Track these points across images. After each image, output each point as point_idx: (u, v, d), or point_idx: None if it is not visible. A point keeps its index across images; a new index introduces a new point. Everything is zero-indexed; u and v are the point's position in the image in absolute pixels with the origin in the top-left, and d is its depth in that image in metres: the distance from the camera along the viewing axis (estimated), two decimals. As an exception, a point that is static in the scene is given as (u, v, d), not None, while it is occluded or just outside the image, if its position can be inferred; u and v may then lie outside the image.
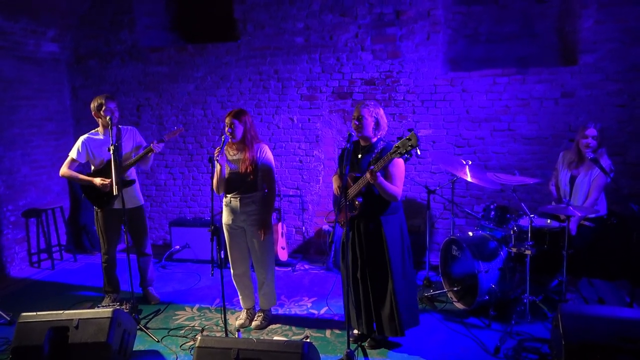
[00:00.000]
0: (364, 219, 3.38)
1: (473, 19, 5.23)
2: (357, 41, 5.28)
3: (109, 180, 4.01)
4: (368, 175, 3.11)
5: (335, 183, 3.59)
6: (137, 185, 4.31)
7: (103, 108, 4.07)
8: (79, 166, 4.25)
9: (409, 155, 2.95)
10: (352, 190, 3.32)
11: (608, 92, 4.67)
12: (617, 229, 4.22)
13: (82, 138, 4.20)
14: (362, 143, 3.45)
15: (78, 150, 4.16)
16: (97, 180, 4.07)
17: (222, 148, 3.55)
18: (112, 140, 3.82)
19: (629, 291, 3.97)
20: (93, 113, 4.16)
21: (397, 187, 3.25)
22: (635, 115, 4.63)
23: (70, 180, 4.40)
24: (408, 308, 3.43)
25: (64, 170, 4.18)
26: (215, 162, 3.54)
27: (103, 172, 4.11)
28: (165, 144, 4.16)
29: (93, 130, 4.26)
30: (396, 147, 2.95)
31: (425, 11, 5.03)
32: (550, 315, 3.85)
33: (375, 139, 3.39)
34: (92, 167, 4.24)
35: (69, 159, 4.19)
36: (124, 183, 4.06)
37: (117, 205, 4.09)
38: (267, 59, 5.59)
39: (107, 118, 3.96)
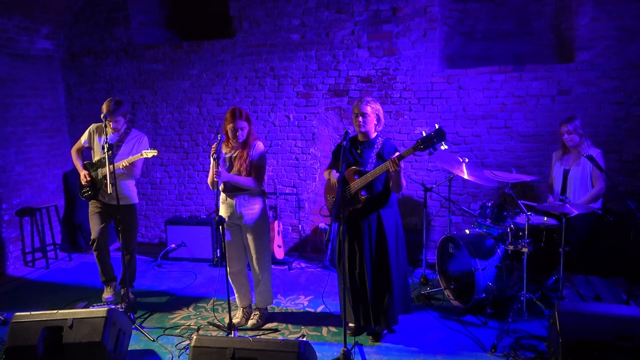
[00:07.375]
0: (363, 213, 3.46)
1: (469, 16, 5.23)
2: (353, 38, 5.25)
3: (90, 179, 4.25)
4: (390, 163, 3.16)
5: (333, 179, 3.60)
6: (129, 184, 4.35)
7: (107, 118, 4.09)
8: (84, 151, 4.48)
9: (434, 149, 3.07)
10: (357, 184, 3.39)
11: (604, 90, 4.66)
12: (614, 226, 4.22)
13: (93, 125, 4.41)
14: (361, 138, 3.54)
15: (85, 135, 4.41)
16: (82, 174, 4.29)
17: (219, 145, 3.55)
18: (106, 139, 3.98)
19: (626, 288, 3.98)
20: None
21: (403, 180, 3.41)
22: (632, 113, 4.63)
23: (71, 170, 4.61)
24: (402, 298, 3.59)
25: (73, 150, 4.45)
26: (213, 159, 3.56)
27: (95, 165, 4.31)
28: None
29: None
30: (428, 137, 3.05)
31: (421, 8, 5.02)
32: (547, 312, 3.85)
33: (374, 135, 3.50)
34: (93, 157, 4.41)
35: (79, 141, 4.44)
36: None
37: (104, 199, 4.29)
38: (263, 56, 5.56)
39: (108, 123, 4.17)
